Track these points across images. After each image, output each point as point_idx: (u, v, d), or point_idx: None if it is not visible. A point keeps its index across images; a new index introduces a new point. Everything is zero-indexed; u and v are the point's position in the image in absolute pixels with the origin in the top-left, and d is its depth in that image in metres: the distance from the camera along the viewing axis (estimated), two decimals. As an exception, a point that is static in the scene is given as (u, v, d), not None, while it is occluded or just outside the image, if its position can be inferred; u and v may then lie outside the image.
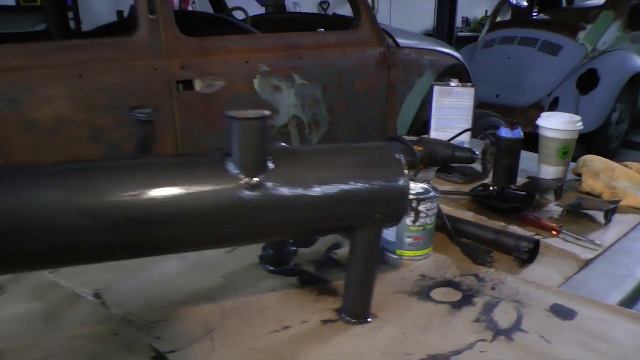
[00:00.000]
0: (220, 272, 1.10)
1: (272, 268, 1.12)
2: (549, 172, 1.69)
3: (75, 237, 0.70)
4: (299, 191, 0.80)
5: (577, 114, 4.67)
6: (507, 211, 1.43)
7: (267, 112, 0.78)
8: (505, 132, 1.63)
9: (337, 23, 3.16)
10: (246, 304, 1.00)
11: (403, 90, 2.91)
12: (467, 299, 1.05)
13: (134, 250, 0.76)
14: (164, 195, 0.73)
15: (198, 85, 2.09)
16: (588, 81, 4.78)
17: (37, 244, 0.69)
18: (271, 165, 0.80)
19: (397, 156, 0.91)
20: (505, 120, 1.67)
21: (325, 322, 0.96)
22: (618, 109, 4.92)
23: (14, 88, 1.76)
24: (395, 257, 1.19)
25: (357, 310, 0.97)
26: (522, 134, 1.63)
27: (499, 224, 1.36)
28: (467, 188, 1.61)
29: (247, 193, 0.77)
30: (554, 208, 1.49)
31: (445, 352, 0.89)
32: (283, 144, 0.90)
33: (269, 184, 0.79)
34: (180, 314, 0.97)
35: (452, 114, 1.95)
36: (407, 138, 1.80)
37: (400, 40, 2.90)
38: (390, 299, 1.04)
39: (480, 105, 4.90)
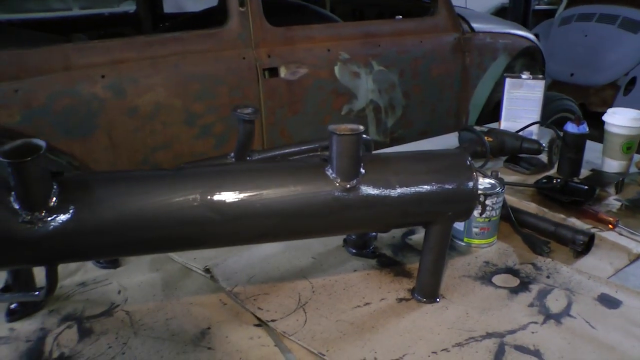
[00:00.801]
0: (309, 253, 1.28)
1: (354, 250, 1.28)
2: (612, 165, 1.77)
3: (204, 227, 0.89)
4: (385, 193, 0.97)
5: (654, 94, 4.57)
6: (567, 204, 1.54)
7: (362, 128, 0.94)
8: (571, 127, 1.71)
9: (413, 7, 3.26)
10: (332, 282, 1.17)
11: (477, 74, 3.00)
12: (524, 285, 1.18)
13: (250, 238, 0.95)
14: (276, 195, 0.91)
15: (283, 72, 2.26)
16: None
17: (174, 233, 0.88)
18: (362, 171, 0.97)
19: (468, 162, 1.05)
20: (576, 106, 1.75)
21: (400, 300, 1.13)
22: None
23: (120, 78, 1.97)
24: (463, 244, 1.34)
25: (428, 291, 1.13)
26: (587, 129, 1.71)
27: (559, 216, 1.46)
28: (533, 179, 1.72)
29: (343, 195, 0.94)
30: (613, 201, 1.58)
31: (502, 331, 1.04)
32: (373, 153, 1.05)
33: (361, 187, 0.95)
34: (277, 288, 1.15)
35: (522, 104, 2.04)
36: (478, 128, 1.91)
37: (475, 25, 2.97)
38: (457, 282, 1.19)
39: (553, 84, 4.86)
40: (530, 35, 3.43)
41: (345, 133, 0.92)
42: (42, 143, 0.81)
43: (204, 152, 2.15)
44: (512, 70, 3.31)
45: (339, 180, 0.94)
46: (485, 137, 1.85)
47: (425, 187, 1.00)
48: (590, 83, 4.74)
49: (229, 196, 0.89)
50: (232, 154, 1.39)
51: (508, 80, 2.05)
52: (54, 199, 0.83)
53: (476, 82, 3.02)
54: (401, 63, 2.62)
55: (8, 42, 2.39)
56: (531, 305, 1.12)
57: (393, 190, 0.97)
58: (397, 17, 2.82)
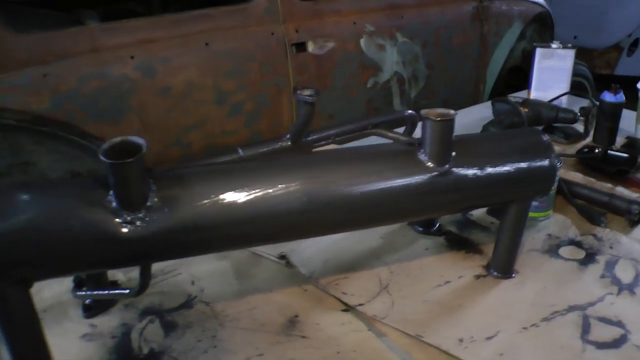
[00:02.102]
0: (377, 234, 1.27)
1: (420, 229, 1.28)
2: (646, 132, 1.78)
3: (306, 217, 0.87)
4: (475, 175, 0.96)
5: (657, 55, 4.56)
6: (613, 173, 1.54)
7: (454, 113, 0.92)
8: (608, 96, 1.71)
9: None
10: (407, 262, 1.17)
11: (494, 42, 2.96)
12: (590, 257, 1.19)
13: (351, 226, 0.94)
14: (376, 182, 0.90)
15: (311, 47, 2.22)
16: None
17: (275, 225, 0.87)
18: (453, 154, 0.95)
19: (546, 139, 1.05)
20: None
21: (478, 277, 1.13)
22: (698, 48, 4.80)
23: (149, 59, 1.92)
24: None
25: (504, 267, 1.13)
26: (623, 98, 1.71)
27: (606, 186, 1.47)
28: (570, 148, 1.72)
29: (438, 178, 0.93)
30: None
31: (582, 304, 1.05)
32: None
33: (453, 170, 0.94)
34: (355, 271, 1.14)
35: (552, 74, 2.03)
36: (512, 99, 1.90)
37: (491, -8, 2.94)
38: (525, 257, 1.20)
39: (559, 48, 4.84)
40: (542, 1, 3.40)
41: (441, 119, 0.91)
42: (141, 141, 0.78)
43: (234, 130, 2.12)
44: (524, 36, 3.28)
45: (433, 165, 0.93)
46: (521, 108, 1.84)
47: (511, 166, 1.00)
48: (594, 45, 4.72)
49: (329, 185, 0.88)
50: (288, 135, 1.37)
51: (538, 51, 2.03)
52: (153, 197, 0.80)
53: (493, 50, 2.99)
54: (424, 34, 2.58)
55: (17, 22, 2.32)
56: (602, 276, 1.13)
57: (481, 172, 0.97)
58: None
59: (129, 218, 0.79)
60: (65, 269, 0.82)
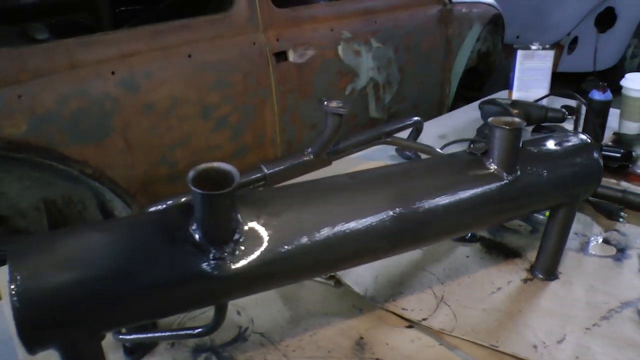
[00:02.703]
0: (415, 244, 1.25)
1: (455, 237, 1.26)
2: (632, 127, 1.83)
3: (397, 235, 0.84)
4: (538, 181, 0.95)
5: (596, 52, 4.77)
6: (614, 168, 1.58)
7: (523, 122, 0.91)
8: (597, 95, 1.76)
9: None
10: (455, 271, 1.14)
11: (457, 44, 3.01)
12: (622, 253, 1.21)
13: (430, 239, 0.91)
14: (453, 194, 0.87)
15: (291, 56, 2.18)
16: (605, 19, 4.87)
17: (368, 246, 0.82)
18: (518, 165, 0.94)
19: (590, 141, 1.05)
20: (598, 83, 1.79)
21: (525, 280, 1.12)
22: (632, 44, 5.04)
23: (132, 73, 1.82)
24: (542, 217, 1.33)
25: (550, 269, 1.12)
26: (611, 96, 1.76)
27: (611, 181, 1.50)
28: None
29: (507, 187, 0.92)
30: (646, 161, 1.64)
31: (632, 299, 1.06)
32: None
33: (520, 179, 0.93)
34: (407, 285, 1.09)
35: (534, 74, 2.07)
36: (502, 101, 1.92)
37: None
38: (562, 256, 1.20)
39: (503, 47, 4.98)
40: (494, 3, 3.48)
41: (512, 127, 0.89)
42: (231, 169, 0.72)
43: (220, 144, 2.05)
44: (478, 38, 3.35)
45: (503, 173, 0.92)
46: (511, 109, 1.86)
47: (567, 169, 1.00)
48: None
49: (415, 201, 0.84)
50: (310, 149, 1.33)
51: (520, 52, 2.06)
52: (240, 229, 0.74)
53: (457, 52, 3.04)
54: (396, 38, 2.59)
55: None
56: (640, 270, 1.14)
57: (543, 177, 0.96)
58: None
59: (217, 254, 0.71)
60: (144, 315, 0.73)
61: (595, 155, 1.04)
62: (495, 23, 3.49)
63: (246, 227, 0.74)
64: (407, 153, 1.66)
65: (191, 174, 0.70)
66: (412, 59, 2.70)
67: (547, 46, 2.09)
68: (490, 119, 0.92)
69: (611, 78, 4.89)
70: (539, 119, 1.87)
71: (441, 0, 2.84)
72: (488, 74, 3.56)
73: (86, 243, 0.70)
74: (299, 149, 2.26)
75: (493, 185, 0.91)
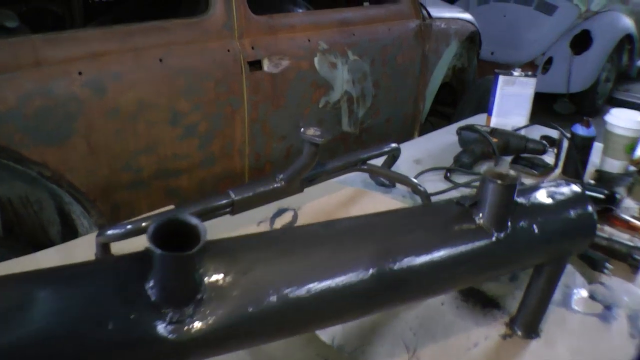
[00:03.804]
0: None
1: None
2: (615, 165, 1.80)
3: (370, 293, 0.78)
4: (530, 237, 0.91)
5: (570, 73, 4.83)
6: (598, 212, 1.53)
7: (519, 178, 0.86)
8: (580, 129, 1.73)
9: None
10: (429, 320, 1.10)
11: (434, 60, 2.98)
12: (609, 310, 1.15)
13: (412, 298, 0.85)
14: (436, 250, 0.82)
15: (266, 65, 2.11)
16: (581, 41, 4.92)
17: (344, 307, 0.77)
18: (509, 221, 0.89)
19: (583, 192, 1.01)
20: (582, 118, 1.76)
21: (504, 337, 1.08)
22: (606, 67, 5.11)
23: (99, 75, 1.74)
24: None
25: (531, 326, 1.08)
26: (595, 132, 1.73)
27: None
28: (542, 179, 1.73)
29: (497, 244, 0.87)
30: (631, 204, 1.61)
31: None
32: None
33: (510, 236, 0.88)
34: (377, 335, 1.05)
35: (513, 101, 2.05)
36: (480, 128, 1.89)
37: (431, 10, 2.95)
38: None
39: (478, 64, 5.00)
40: (473, 20, 3.47)
41: (507, 183, 0.84)
42: (198, 224, 0.65)
43: (187, 154, 1.98)
44: (456, 54, 3.34)
45: (493, 230, 0.87)
46: (491, 137, 1.84)
47: (558, 225, 0.95)
48: (510, 61, 4.89)
49: (396, 259, 0.79)
50: (282, 175, 1.27)
51: (501, 78, 2.04)
52: (203, 286, 0.66)
53: (433, 69, 3.01)
54: (372, 52, 2.53)
55: None
56: (633, 336, 1.10)
57: (534, 234, 0.91)
58: (365, 3, 2.73)
59: (176, 317, 0.65)
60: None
61: (589, 209, 1.00)
62: (472, 40, 3.47)
63: (210, 284, 0.67)
64: (382, 179, 1.61)
65: (152, 228, 0.62)
66: (387, 73, 2.65)
67: (529, 73, 2.07)
68: (483, 170, 0.87)
69: (583, 100, 5.00)
70: (519, 149, 1.85)
71: (420, 14, 2.80)
72: (462, 90, 3.54)
73: (21, 297, 0.62)
74: (268, 159, 2.24)
75: (481, 242, 0.86)
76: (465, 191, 1.61)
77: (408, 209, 0.94)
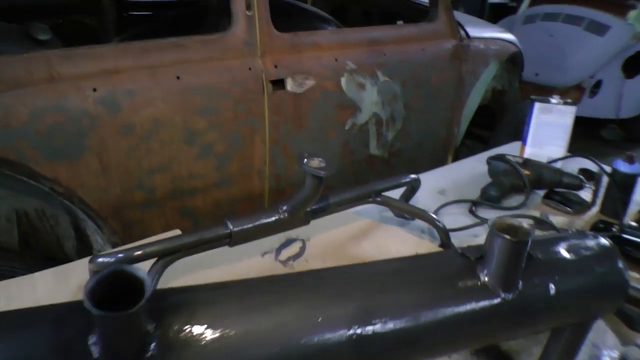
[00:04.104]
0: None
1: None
2: (662, 205, 1.66)
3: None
4: (544, 299, 0.79)
5: (620, 98, 4.60)
6: (638, 259, 1.36)
7: (533, 231, 0.76)
8: (622, 165, 1.59)
9: (404, 9, 3.09)
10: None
11: (470, 82, 2.87)
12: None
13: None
14: (430, 310, 0.72)
15: (289, 85, 2.04)
16: (634, 64, 4.67)
17: None
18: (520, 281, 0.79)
19: (614, 248, 0.89)
20: (623, 153, 1.63)
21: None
22: (660, 93, 4.84)
23: (114, 91, 1.71)
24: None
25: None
26: (639, 169, 1.59)
27: (632, 274, 1.30)
28: (578, 220, 1.59)
29: (501, 306, 0.76)
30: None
31: None
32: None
33: (521, 297, 0.77)
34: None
35: (550, 130, 1.92)
36: (511, 158, 1.77)
37: (469, 30, 2.84)
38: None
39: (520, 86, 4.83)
40: (515, 40, 3.34)
41: (517, 239, 0.73)
42: (144, 277, 0.57)
43: (204, 174, 1.92)
44: (496, 76, 3.21)
45: (500, 290, 0.76)
46: (522, 169, 1.71)
47: (580, 284, 0.83)
48: (555, 84, 4.71)
49: (379, 316, 0.69)
50: (285, 207, 1.19)
51: (537, 105, 1.91)
52: (152, 344, 0.59)
53: (469, 91, 2.89)
54: (404, 72, 2.45)
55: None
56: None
57: (549, 294, 0.80)
58: (398, 22, 2.64)
59: None
60: None
61: (619, 265, 0.87)
62: (513, 61, 3.34)
63: (161, 342, 0.59)
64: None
65: (91, 283, 0.55)
66: (419, 95, 2.55)
67: (569, 101, 1.93)
68: (491, 220, 0.76)
69: (633, 127, 4.75)
70: (553, 183, 1.71)
71: (457, 35, 2.70)
72: (501, 113, 3.41)
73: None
74: (289, 182, 2.17)
75: (485, 303, 0.75)
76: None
77: (403, 259, 0.84)
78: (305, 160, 1.08)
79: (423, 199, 1.60)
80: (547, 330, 0.90)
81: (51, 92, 1.62)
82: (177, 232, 1.34)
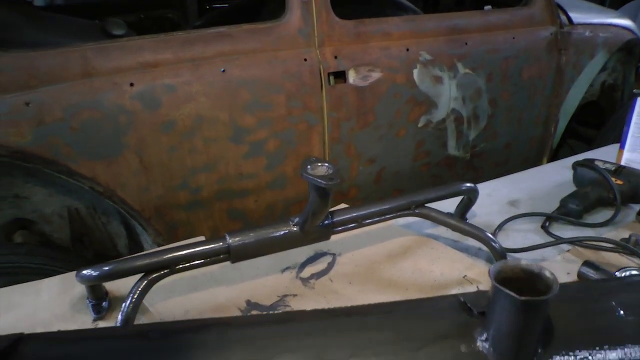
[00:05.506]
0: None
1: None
2: None
3: None
4: None
5: None
6: None
7: (555, 288, 0.52)
8: None
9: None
10: None
11: (571, 75, 2.52)
12: None
13: None
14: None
15: (352, 77, 1.85)
16: None
17: None
18: (539, 351, 0.55)
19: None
20: None
21: None
22: None
23: (153, 87, 1.60)
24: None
25: None
26: None
27: None
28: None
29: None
30: None
31: None
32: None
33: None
34: None
35: (655, 133, 1.61)
36: (601, 165, 1.49)
37: (573, 16, 2.50)
38: None
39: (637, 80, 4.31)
40: (632, 26, 2.93)
41: (530, 299, 0.50)
42: None
43: (254, 173, 1.78)
44: (604, 67, 2.83)
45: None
46: (613, 179, 1.42)
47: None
48: (685, 78, 4.16)
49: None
50: (297, 219, 1.01)
51: None
52: None
53: (570, 85, 2.54)
54: (490, 65, 2.17)
55: (40, 29, 2.06)
56: None
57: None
58: (486, 7, 2.37)
59: None
60: None
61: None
62: (629, 51, 2.94)
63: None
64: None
65: None
66: (508, 90, 2.26)
67: (685, 95, 1.61)
68: (494, 266, 0.54)
69: None
70: (653, 197, 1.42)
71: (556, 21, 2.37)
72: (611, 110, 3.02)
73: None
74: (353, 184, 1.98)
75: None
76: (564, 249, 1.23)
77: (394, 305, 0.64)
78: (309, 167, 0.90)
79: (488, 211, 1.37)
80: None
81: (86, 88, 1.54)
82: (202, 238, 1.20)
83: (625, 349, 0.56)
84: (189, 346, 0.50)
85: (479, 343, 0.54)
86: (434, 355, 0.54)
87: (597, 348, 0.55)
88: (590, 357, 0.55)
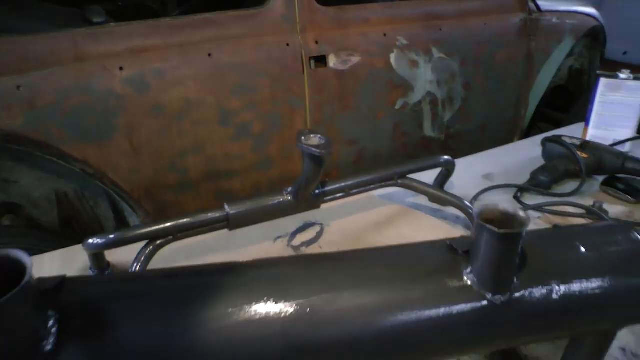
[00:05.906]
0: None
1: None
2: None
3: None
4: (545, 304, 0.65)
5: None
6: None
7: (527, 221, 0.61)
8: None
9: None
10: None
11: (540, 60, 2.64)
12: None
13: None
14: (395, 314, 0.60)
15: (332, 61, 1.93)
16: None
17: None
18: (516, 281, 0.64)
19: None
20: None
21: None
22: None
23: (142, 71, 1.65)
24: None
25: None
26: None
27: None
28: (638, 210, 1.40)
29: (488, 311, 0.63)
30: None
31: None
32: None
33: (515, 301, 0.63)
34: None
35: (617, 110, 1.71)
36: (568, 140, 1.59)
37: (541, 3, 2.61)
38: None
39: (603, 64, 4.46)
40: (596, 13, 3.05)
41: (507, 231, 0.59)
42: (26, 260, 0.49)
43: (240, 154, 1.84)
44: (572, 52, 2.95)
45: (487, 292, 0.62)
46: (579, 152, 1.53)
47: (595, 290, 0.68)
48: (646, 63, 4.32)
49: (331, 320, 0.58)
50: (290, 189, 1.09)
51: (603, 81, 1.70)
52: (51, 341, 0.51)
53: (539, 69, 2.66)
54: (464, 49, 2.27)
55: (21, 16, 2.09)
56: None
57: (555, 300, 0.65)
58: (458, -6, 2.45)
59: None
60: None
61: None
62: (594, 37, 3.06)
63: (61, 340, 0.51)
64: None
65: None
66: (481, 73, 2.36)
67: (640, 76, 1.71)
68: (476, 208, 0.63)
69: None
70: (614, 169, 1.52)
71: (525, 8, 2.48)
72: (579, 93, 3.14)
73: None
74: (335, 165, 2.06)
75: (465, 307, 0.62)
76: (535, 216, 1.33)
77: (387, 249, 0.72)
78: (303, 138, 0.97)
79: (465, 184, 1.46)
80: (560, 339, 0.75)
81: (77, 72, 1.58)
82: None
83: (585, 282, 0.66)
84: (229, 283, 0.58)
85: (464, 276, 0.63)
86: (426, 287, 0.63)
87: (564, 279, 0.65)
88: (558, 287, 0.64)
